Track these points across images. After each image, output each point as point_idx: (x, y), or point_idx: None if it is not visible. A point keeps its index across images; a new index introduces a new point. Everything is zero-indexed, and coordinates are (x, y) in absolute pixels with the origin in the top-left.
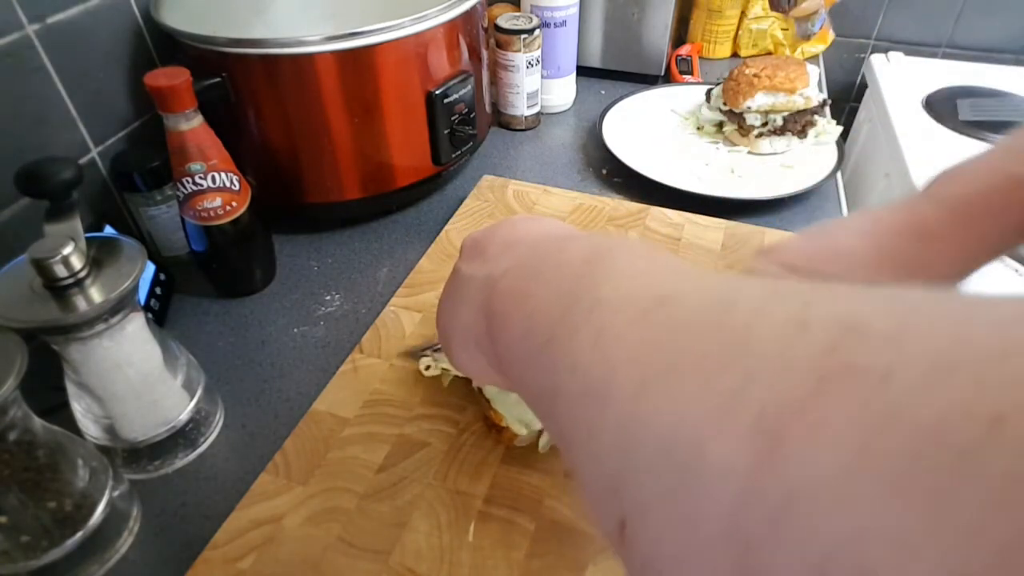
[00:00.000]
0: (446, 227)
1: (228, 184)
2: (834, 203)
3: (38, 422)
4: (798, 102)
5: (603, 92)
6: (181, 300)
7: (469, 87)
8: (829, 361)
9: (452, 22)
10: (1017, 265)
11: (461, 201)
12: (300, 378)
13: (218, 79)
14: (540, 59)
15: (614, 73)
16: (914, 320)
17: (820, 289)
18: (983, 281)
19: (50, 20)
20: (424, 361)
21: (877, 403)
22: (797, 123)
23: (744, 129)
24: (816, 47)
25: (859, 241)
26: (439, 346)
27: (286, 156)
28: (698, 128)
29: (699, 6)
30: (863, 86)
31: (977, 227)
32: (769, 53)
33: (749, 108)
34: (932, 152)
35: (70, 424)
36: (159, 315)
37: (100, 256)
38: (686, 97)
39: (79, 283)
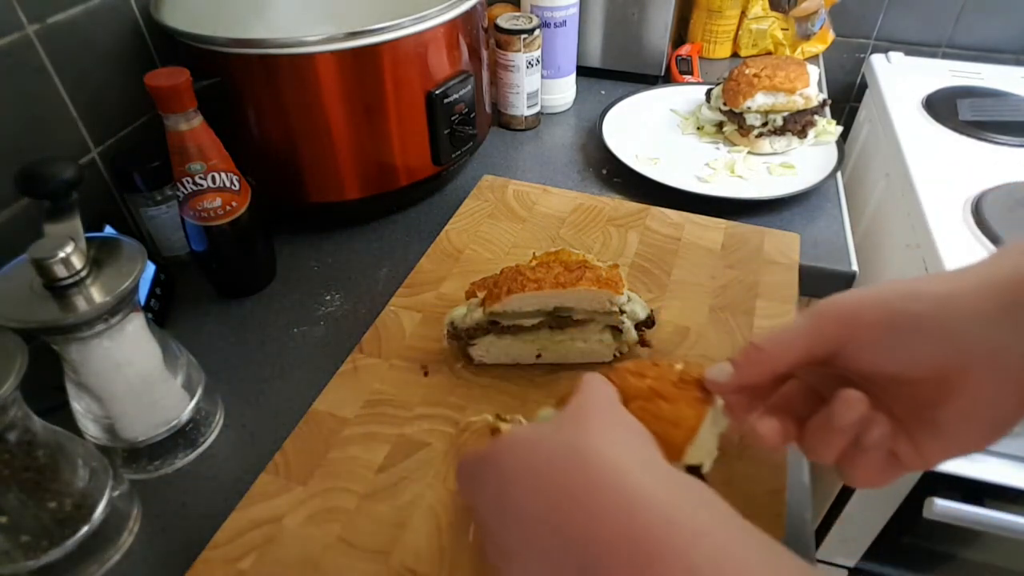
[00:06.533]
0: (446, 227)
1: (228, 184)
2: (834, 203)
3: (38, 422)
4: (798, 102)
5: (603, 92)
6: (181, 300)
7: (469, 87)
8: None
9: (452, 22)
10: None
11: (461, 201)
12: (300, 378)
13: (218, 79)
14: (540, 59)
15: (614, 73)
16: None
17: None
18: None
19: (50, 20)
20: (476, 350)
21: None
22: (797, 123)
23: (744, 129)
24: (816, 47)
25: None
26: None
27: (286, 156)
28: (698, 128)
29: (699, 6)
30: (863, 86)
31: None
32: (769, 53)
33: (749, 108)
34: (932, 152)
35: (70, 424)
36: (159, 315)
37: (100, 256)
38: (686, 97)
39: (79, 283)
